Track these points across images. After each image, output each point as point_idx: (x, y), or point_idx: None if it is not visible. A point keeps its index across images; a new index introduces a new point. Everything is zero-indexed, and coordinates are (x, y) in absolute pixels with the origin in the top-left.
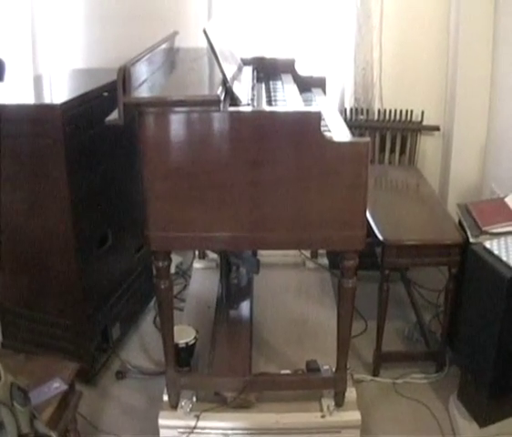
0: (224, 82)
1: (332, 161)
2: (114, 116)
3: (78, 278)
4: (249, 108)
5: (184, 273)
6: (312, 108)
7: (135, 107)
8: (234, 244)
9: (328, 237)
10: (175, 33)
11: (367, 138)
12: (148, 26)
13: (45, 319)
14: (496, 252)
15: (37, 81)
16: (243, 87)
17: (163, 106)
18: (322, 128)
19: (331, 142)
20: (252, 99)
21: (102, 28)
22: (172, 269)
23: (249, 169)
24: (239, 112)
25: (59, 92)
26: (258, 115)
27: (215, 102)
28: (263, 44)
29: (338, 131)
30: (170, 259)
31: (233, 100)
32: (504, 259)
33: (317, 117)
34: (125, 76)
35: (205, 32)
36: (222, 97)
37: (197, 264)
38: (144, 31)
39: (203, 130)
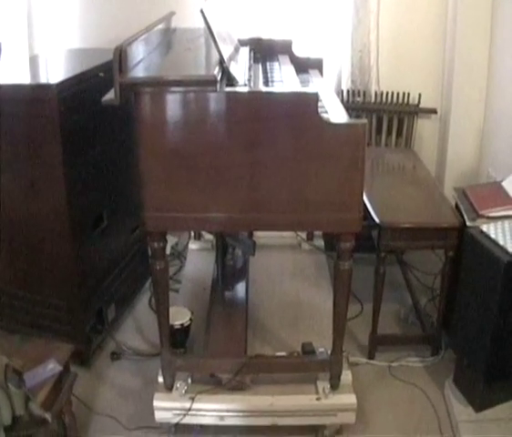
0: (221, 62)
1: (329, 143)
2: (110, 96)
3: (73, 259)
4: (245, 89)
5: (179, 254)
6: (310, 89)
7: (131, 87)
8: (230, 225)
9: (325, 219)
10: (172, 13)
11: (364, 120)
12: (144, 6)
13: (40, 300)
14: (492, 236)
15: (33, 61)
16: (240, 68)
17: (159, 86)
18: (319, 110)
19: (328, 123)
20: (249, 80)
21: (99, 8)
22: (168, 250)
23: (245, 150)
24: (235, 92)
25: (55, 72)
26: (255, 95)
27: (212, 82)
28: (260, 25)
29: (335, 113)
30: (166, 240)
31: (230, 80)
32: (501, 242)
33: (314, 99)
34: (121, 55)
35: (202, 12)
36: (219, 78)
37: (192, 245)
38: (141, 11)
39: (199, 110)
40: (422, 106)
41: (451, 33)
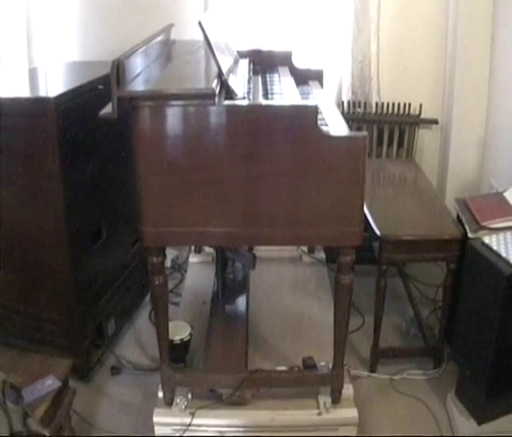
0: (220, 75)
1: (330, 156)
2: (108, 109)
3: (72, 273)
4: (244, 102)
5: (180, 267)
6: (309, 102)
7: (129, 101)
8: (229, 240)
9: (325, 233)
10: (171, 25)
11: (365, 133)
12: (143, 19)
13: (38, 314)
14: (495, 248)
15: (32, 74)
16: (239, 80)
17: (157, 99)
18: (319, 122)
19: (328, 136)
20: (248, 92)
21: (98, 20)
22: (168, 264)
23: (244, 164)
24: (234, 106)
25: (53, 85)
26: (254, 108)
27: (210, 95)
28: (260, 36)
29: (335, 125)
30: (165, 255)
31: (229, 93)
32: (503, 254)
33: (314, 111)
34: (118, 69)
35: (200, 24)
36: (217, 91)
37: (193, 258)
38: (140, 23)
39: (198, 124)
40: (423, 116)
41: (452, 43)
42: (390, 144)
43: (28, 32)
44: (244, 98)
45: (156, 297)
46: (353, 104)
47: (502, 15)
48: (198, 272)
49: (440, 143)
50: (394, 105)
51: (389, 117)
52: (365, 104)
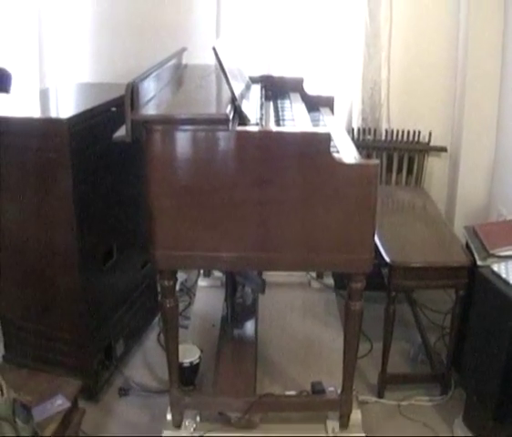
0: (233, 100)
1: (341, 183)
2: (121, 132)
3: (82, 293)
4: (257, 128)
5: (189, 291)
6: (322, 129)
7: (142, 124)
8: (240, 264)
9: (335, 259)
10: (183, 49)
11: (376, 161)
12: (156, 41)
13: (48, 333)
14: (503, 276)
15: (44, 94)
16: (252, 106)
17: (171, 123)
18: (331, 149)
19: (340, 164)
20: (261, 118)
21: (110, 42)
22: (177, 287)
23: (256, 189)
24: (247, 132)
25: (66, 106)
26: (266, 135)
27: (223, 121)
28: (272, 62)
29: (347, 152)
30: (176, 278)
31: (242, 119)
32: None
33: (327, 139)
34: (133, 92)
35: (214, 50)
36: (231, 116)
37: (202, 282)
38: (152, 46)
39: (211, 149)
40: (432, 143)
41: (462, 70)
42: (399, 171)
43: (40, 52)
44: (257, 124)
45: (166, 320)
46: (364, 131)
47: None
48: (206, 296)
49: (449, 170)
50: (403, 132)
51: (399, 145)
52: (375, 131)
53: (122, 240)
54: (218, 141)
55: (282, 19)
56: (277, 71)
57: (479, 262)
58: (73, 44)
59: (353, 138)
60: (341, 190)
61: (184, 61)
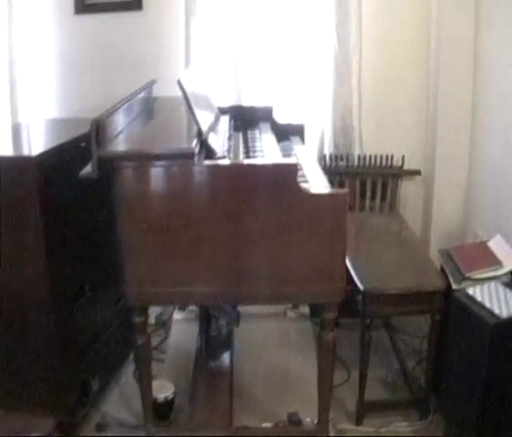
0: (200, 134)
1: (310, 213)
2: (88, 169)
3: (55, 330)
4: (224, 161)
5: (164, 324)
6: (289, 160)
7: (110, 161)
8: (214, 299)
9: (307, 290)
10: (152, 81)
11: (345, 190)
12: (127, 74)
13: (22, 371)
14: (479, 299)
15: (14, 131)
16: (220, 138)
17: (138, 159)
18: (300, 179)
19: (307, 194)
20: (229, 150)
21: (82, 77)
22: (152, 320)
23: (227, 222)
24: (214, 165)
25: (35, 143)
26: (233, 167)
27: (189, 155)
28: (242, 90)
29: (316, 181)
30: (148, 315)
31: (209, 152)
32: (487, 305)
33: (294, 169)
34: (98, 128)
35: (179, 83)
36: (197, 150)
37: (177, 315)
38: (124, 79)
39: (178, 184)
40: (406, 167)
41: (433, 93)
42: (373, 196)
43: (11, 88)
44: (224, 157)
45: (139, 356)
46: (336, 157)
47: (484, 66)
48: (182, 329)
49: (424, 194)
50: (376, 157)
51: (372, 170)
52: (348, 157)
53: (95, 276)
54: (185, 175)
55: (252, 48)
56: (248, 100)
57: (454, 286)
58: (46, 78)
59: (325, 165)
60: (309, 221)
61: (156, 93)
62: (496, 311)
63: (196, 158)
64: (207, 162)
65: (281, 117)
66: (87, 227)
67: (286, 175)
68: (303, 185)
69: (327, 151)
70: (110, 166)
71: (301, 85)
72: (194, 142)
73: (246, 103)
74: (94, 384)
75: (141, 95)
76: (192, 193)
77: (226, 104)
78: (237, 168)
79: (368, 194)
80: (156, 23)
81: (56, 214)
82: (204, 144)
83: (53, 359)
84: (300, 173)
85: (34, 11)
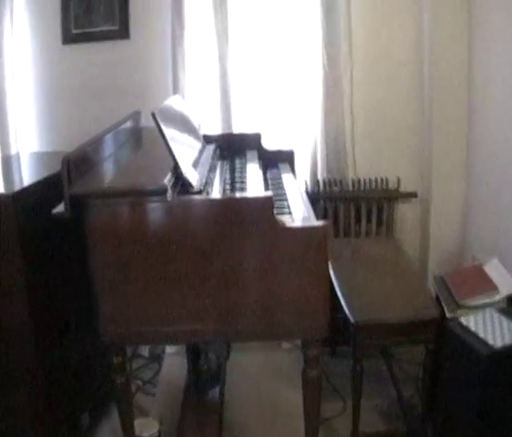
0: (176, 168)
1: (288, 248)
2: (61, 208)
3: (40, 368)
4: (198, 196)
5: (158, 357)
6: (264, 193)
7: (80, 198)
8: (192, 337)
9: (289, 327)
10: (137, 112)
11: (326, 222)
12: (113, 105)
13: (8, 409)
14: (472, 328)
15: None
16: (199, 171)
17: (108, 197)
18: (283, 211)
19: (284, 228)
20: (207, 184)
21: (69, 106)
22: (146, 353)
23: (202, 259)
24: (184, 201)
25: (16, 178)
26: (205, 203)
27: (162, 192)
28: (232, 118)
29: (299, 213)
30: (126, 354)
31: (185, 186)
32: (481, 334)
33: (269, 202)
34: (69, 166)
35: (153, 116)
36: (170, 185)
37: (169, 348)
38: (112, 108)
39: (151, 220)
40: (401, 190)
41: (428, 114)
42: (369, 221)
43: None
44: (200, 191)
45: (118, 397)
46: (329, 182)
47: (478, 86)
48: (174, 362)
49: (420, 216)
50: (371, 180)
51: (366, 194)
52: (341, 181)
53: (80, 311)
54: (157, 212)
55: (240, 75)
56: (238, 127)
57: (448, 315)
58: (32, 109)
59: (318, 191)
60: (288, 255)
61: (144, 123)
62: (491, 342)
63: (168, 194)
64: (178, 198)
65: (270, 144)
66: (69, 263)
67: (261, 209)
68: (284, 217)
69: (320, 177)
70: (81, 204)
71: (291, 108)
72: (168, 177)
73: (236, 130)
74: (83, 420)
75: (126, 125)
76: (165, 230)
77: (215, 132)
78: (210, 204)
79: (364, 218)
80: (143, 52)
81: (38, 251)
82: (180, 178)
83: (39, 395)
84: (283, 204)
85: (22, 41)
